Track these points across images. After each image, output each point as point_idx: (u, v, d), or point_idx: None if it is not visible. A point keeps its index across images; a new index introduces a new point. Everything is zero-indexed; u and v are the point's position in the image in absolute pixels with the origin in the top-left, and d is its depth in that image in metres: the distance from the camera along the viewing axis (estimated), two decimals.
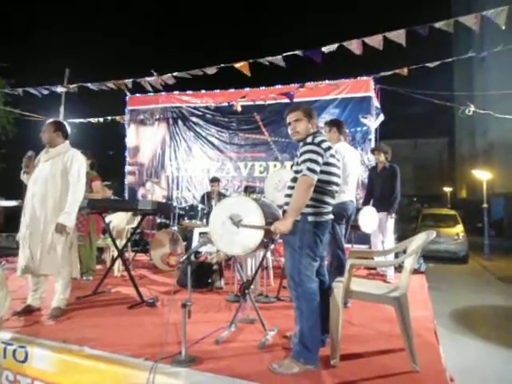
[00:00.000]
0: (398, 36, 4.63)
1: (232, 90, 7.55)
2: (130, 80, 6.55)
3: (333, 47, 4.92)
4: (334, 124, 3.73)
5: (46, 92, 7.08)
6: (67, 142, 3.54)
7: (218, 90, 7.69)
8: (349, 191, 3.58)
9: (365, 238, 5.36)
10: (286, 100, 6.72)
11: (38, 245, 3.28)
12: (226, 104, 7.33)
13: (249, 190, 6.81)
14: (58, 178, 3.34)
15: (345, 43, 4.81)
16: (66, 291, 3.41)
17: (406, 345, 2.42)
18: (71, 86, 6.99)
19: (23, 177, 3.52)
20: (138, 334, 2.91)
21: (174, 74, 6.15)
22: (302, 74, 6.75)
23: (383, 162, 5.05)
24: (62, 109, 9.38)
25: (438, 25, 4.65)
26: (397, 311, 2.48)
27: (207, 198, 6.27)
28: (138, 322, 3.20)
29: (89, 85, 6.78)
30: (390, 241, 4.86)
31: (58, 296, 3.38)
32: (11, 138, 12.68)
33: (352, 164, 3.62)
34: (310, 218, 2.39)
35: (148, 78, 6.41)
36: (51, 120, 3.63)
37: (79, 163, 3.43)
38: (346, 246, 3.71)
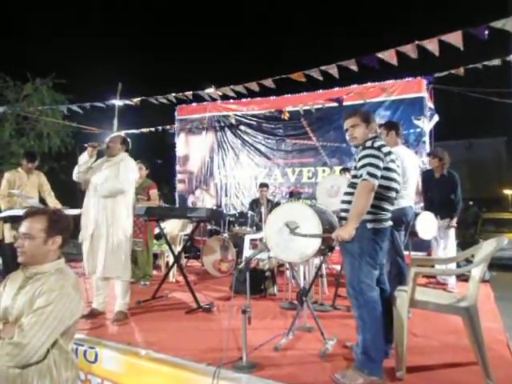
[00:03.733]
0: (455, 38, 4.43)
1: (277, 97, 7.57)
2: (191, 92, 6.79)
3: (387, 53, 4.79)
4: (392, 127, 3.60)
5: (102, 105, 7.50)
6: (126, 154, 3.74)
7: (264, 98, 7.74)
8: (408, 196, 3.45)
9: (422, 245, 5.13)
10: (334, 104, 6.65)
11: (102, 248, 3.45)
12: (272, 111, 7.34)
13: (295, 196, 6.77)
14: (115, 185, 3.50)
15: (400, 48, 4.68)
16: (126, 296, 3.55)
17: (479, 358, 2.27)
18: (134, 100, 7.34)
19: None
20: (198, 338, 2.97)
21: (231, 86, 6.30)
22: (350, 77, 6.62)
23: (438, 167, 4.74)
24: (115, 121, 9.87)
25: (498, 25, 4.39)
26: (466, 322, 2.34)
27: (256, 204, 6.32)
28: (196, 326, 3.27)
29: (152, 99, 7.10)
30: (452, 249, 4.61)
31: (120, 301, 3.52)
32: (69, 151, 13.51)
33: (411, 168, 3.49)
34: (369, 225, 2.33)
35: (207, 90, 6.63)
36: (119, 134, 3.87)
37: (128, 167, 3.63)
38: (404, 253, 3.58)
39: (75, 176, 3.64)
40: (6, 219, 4.43)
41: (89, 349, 2.71)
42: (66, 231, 1.90)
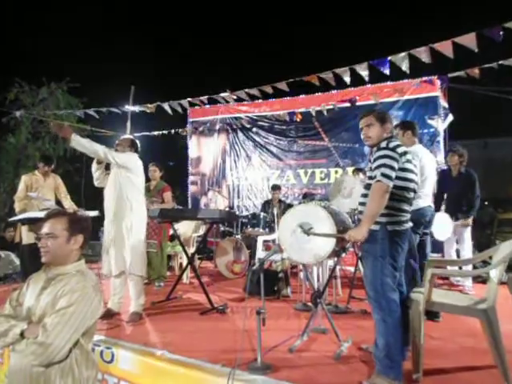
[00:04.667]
0: (469, 40, 4.37)
1: (289, 98, 7.55)
2: (206, 97, 6.86)
3: (400, 56, 4.75)
4: (408, 127, 3.55)
5: (118, 111, 7.60)
6: (132, 153, 3.77)
7: (275, 99, 7.73)
8: (425, 196, 3.40)
9: (436, 246, 5.06)
10: (346, 104, 6.62)
11: (111, 247, 3.55)
12: (284, 113, 7.32)
13: (308, 198, 6.75)
14: (114, 182, 3.58)
15: (412, 51, 4.64)
16: (140, 297, 3.59)
17: (498, 361, 2.24)
18: (149, 106, 7.43)
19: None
20: (212, 339, 2.99)
21: (246, 90, 6.33)
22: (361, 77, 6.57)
23: (457, 165, 4.65)
24: (128, 124, 9.98)
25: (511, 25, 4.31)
26: (484, 325, 2.31)
27: (268, 205, 6.33)
28: (210, 327, 3.29)
29: (165, 105, 7.18)
30: (468, 250, 4.54)
31: (134, 302, 3.57)
32: (84, 154, 13.71)
33: (429, 167, 3.45)
34: (390, 228, 2.30)
35: (222, 94, 6.68)
36: (127, 137, 3.92)
37: (124, 156, 3.62)
38: None
39: (96, 183, 3.77)
40: (23, 221, 4.53)
41: (105, 349, 2.74)
42: (86, 231, 1.95)
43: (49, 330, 1.65)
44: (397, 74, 6.39)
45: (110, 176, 3.64)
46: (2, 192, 10.54)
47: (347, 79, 5.32)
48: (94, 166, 3.71)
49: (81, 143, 3.37)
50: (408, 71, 4.80)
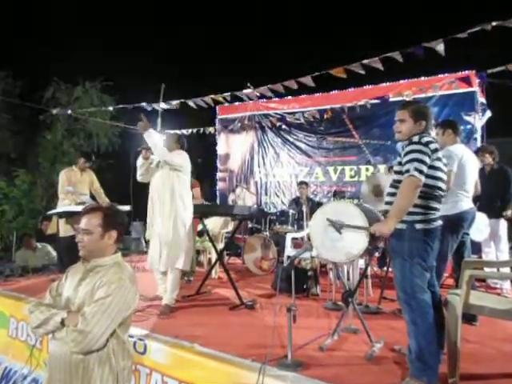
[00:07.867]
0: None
1: (319, 94, 7.46)
2: (228, 94, 6.88)
3: (437, 43, 4.57)
4: (448, 125, 3.42)
5: (149, 108, 7.73)
6: (182, 151, 3.85)
7: (305, 95, 7.66)
8: (467, 198, 3.27)
9: (472, 247, 4.89)
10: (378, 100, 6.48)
11: (157, 244, 3.66)
12: (314, 110, 7.23)
13: (338, 195, 6.66)
14: (166, 181, 3.65)
15: (449, 37, 4.47)
16: (175, 291, 3.66)
17: None
18: (174, 103, 7.53)
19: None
20: (241, 334, 3.01)
21: (269, 85, 6.27)
22: (396, 71, 6.39)
23: (490, 163, 4.58)
24: (159, 121, 10.17)
25: None
26: None
27: (296, 203, 6.29)
28: (239, 322, 3.31)
29: (189, 102, 7.26)
30: (505, 251, 4.36)
31: (168, 295, 3.64)
32: (116, 150, 14.05)
33: (470, 167, 3.31)
34: (419, 226, 2.24)
35: (245, 91, 6.67)
36: (174, 132, 4.03)
37: (179, 157, 3.73)
38: None
39: (139, 178, 3.85)
40: (60, 214, 4.70)
41: (138, 340, 2.81)
42: (120, 226, 1.99)
43: (88, 319, 1.71)
44: (432, 70, 6.19)
45: (161, 174, 3.70)
46: (39, 187, 10.98)
47: (378, 67, 5.09)
48: (140, 160, 3.78)
49: (153, 139, 3.57)
50: (443, 54, 4.59)
